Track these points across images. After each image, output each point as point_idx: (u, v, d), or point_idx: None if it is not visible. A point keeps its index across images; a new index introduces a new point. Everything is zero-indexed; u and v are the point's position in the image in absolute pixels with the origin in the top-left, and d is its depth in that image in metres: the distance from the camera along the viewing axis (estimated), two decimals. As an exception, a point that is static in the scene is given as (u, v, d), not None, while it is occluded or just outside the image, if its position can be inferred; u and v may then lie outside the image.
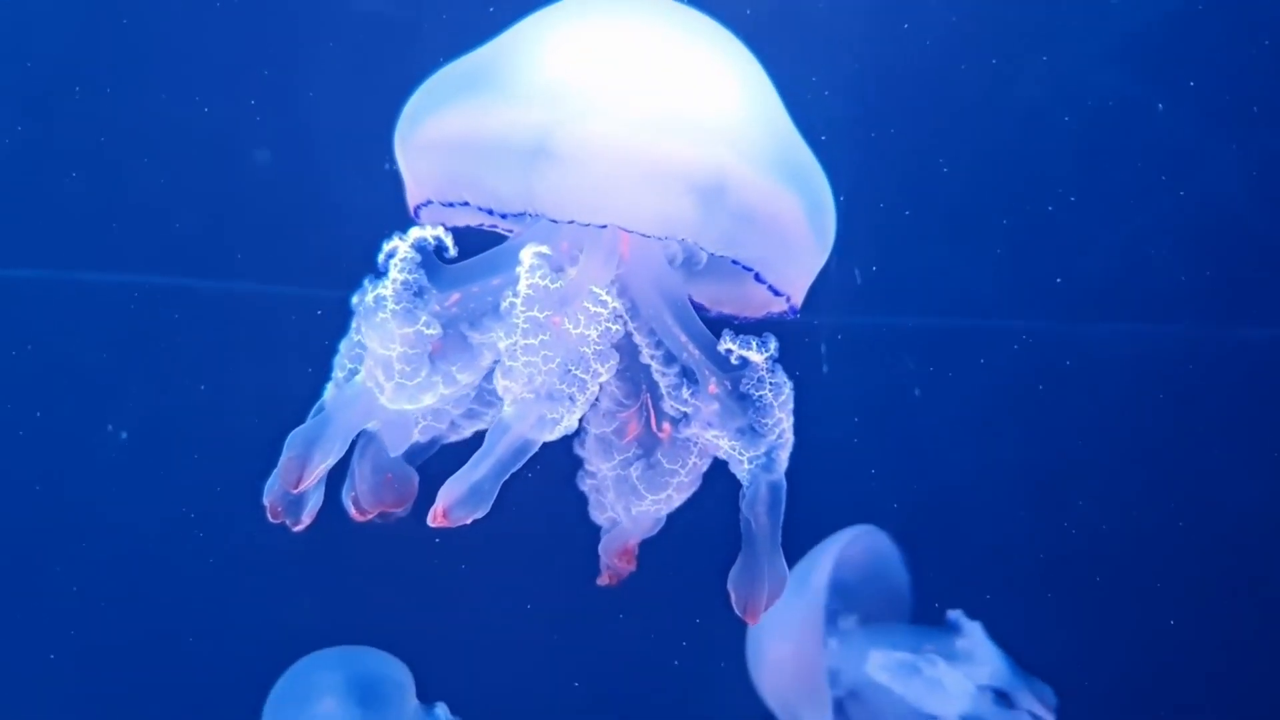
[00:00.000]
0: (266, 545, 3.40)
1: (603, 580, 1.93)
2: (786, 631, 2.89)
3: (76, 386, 3.63)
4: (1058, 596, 3.80)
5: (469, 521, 1.75)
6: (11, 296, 3.56)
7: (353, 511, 1.95)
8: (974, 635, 2.88)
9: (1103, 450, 3.82)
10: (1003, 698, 2.87)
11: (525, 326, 1.72)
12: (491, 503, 1.76)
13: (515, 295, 1.72)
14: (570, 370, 1.74)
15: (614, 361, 1.78)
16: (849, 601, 2.99)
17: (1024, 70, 3.63)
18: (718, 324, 1.87)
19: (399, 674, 3.21)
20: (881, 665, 2.87)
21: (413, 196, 1.88)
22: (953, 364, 3.78)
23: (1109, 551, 3.81)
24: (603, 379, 1.77)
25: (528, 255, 1.73)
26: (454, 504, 1.73)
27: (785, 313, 1.88)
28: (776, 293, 1.82)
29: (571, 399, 1.74)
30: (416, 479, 1.96)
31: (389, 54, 3.19)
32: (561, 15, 1.83)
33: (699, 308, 1.96)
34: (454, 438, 1.99)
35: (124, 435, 3.63)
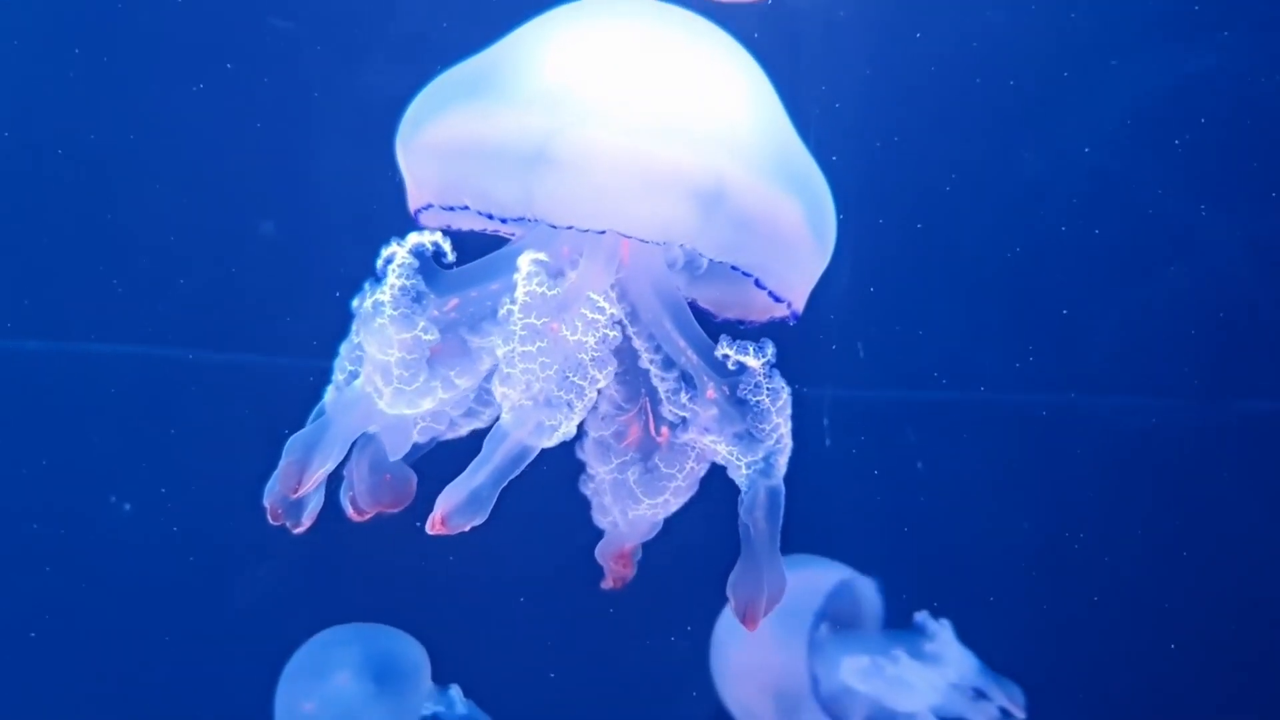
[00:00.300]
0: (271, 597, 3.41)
1: (606, 584, 1.92)
2: (769, 648, 2.89)
3: (79, 458, 3.63)
4: (1060, 672, 3.75)
5: (467, 529, 1.75)
6: (13, 367, 3.59)
7: (350, 511, 1.95)
8: (942, 636, 2.89)
9: (1107, 523, 3.79)
10: (975, 695, 2.86)
11: (522, 334, 1.72)
12: (490, 509, 1.76)
13: (513, 302, 1.73)
14: (568, 377, 1.75)
15: (612, 368, 1.79)
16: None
17: (1024, 145, 3.67)
18: (719, 329, 1.88)
19: (415, 654, 3.20)
20: (855, 671, 2.86)
21: (413, 199, 1.88)
22: (955, 437, 3.78)
23: (1112, 625, 3.78)
24: (601, 385, 1.78)
25: (525, 262, 1.74)
26: (452, 511, 1.74)
27: (787, 318, 1.90)
28: (777, 298, 1.82)
29: (569, 405, 1.75)
30: (415, 479, 1.96)
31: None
32: (563, 20, 1.84)
33: (705, 313, 1.97)
34: (452, 435, 2.00)
35: (127, 507, 3.63)
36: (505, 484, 1.77)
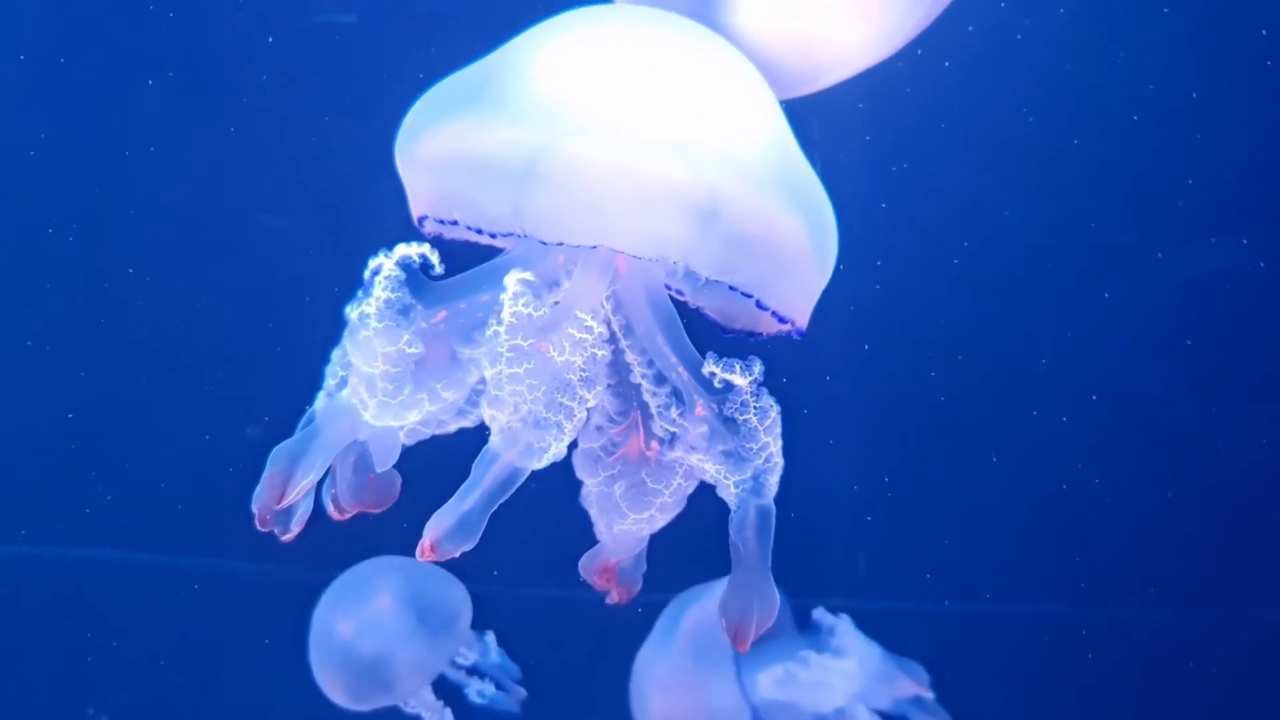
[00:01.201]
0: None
1: (612, 600, 1.92)
2: (696, 689, 2.94)
3: (56, 666, 3.58)
4: None
5: (457, 554, 1.73)
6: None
7: (331, 510, 1.92)
8: (844, 629, 2.92)
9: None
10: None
11: (509, 355, 1.68)
12: (480, 533, 1.74)
13: (499, 323, 1.69)
14: (556, 398, 1.71)
15: (600, 387, 1.76)
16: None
17: (1034, 350, 3.56)
18: (728, 343, 1.85)
19: (459, 596, 3.23)
20: (773, 683, 2.90)
21: (413, 209, 1.84)
22: (960, 648, 3.70)
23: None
24: (590, 404, 1.74)
25: (511, 282, 1.69)
26: (441, 537, 1.72)
27: (791, 333, 1.85)
28: (781, 319, 1.79)
29: (559, 426, 1.72)
30: (399, 481, 1.93)
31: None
32: (559, 28, 1.77)
33: (715, 325, 1.93)
34: (440, 432, 1.98)
35: None
36: (495, 508, 1.74)
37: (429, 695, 3.33)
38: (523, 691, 3.39)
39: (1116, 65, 3.41)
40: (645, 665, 3.11)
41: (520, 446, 1.72)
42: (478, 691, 3.40)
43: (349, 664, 3.27)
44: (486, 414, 1.74)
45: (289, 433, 1.84)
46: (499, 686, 3.41)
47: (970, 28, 3.27)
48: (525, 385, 1.69)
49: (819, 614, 2.93)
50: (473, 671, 3.39)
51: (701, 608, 3.01)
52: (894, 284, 3.52)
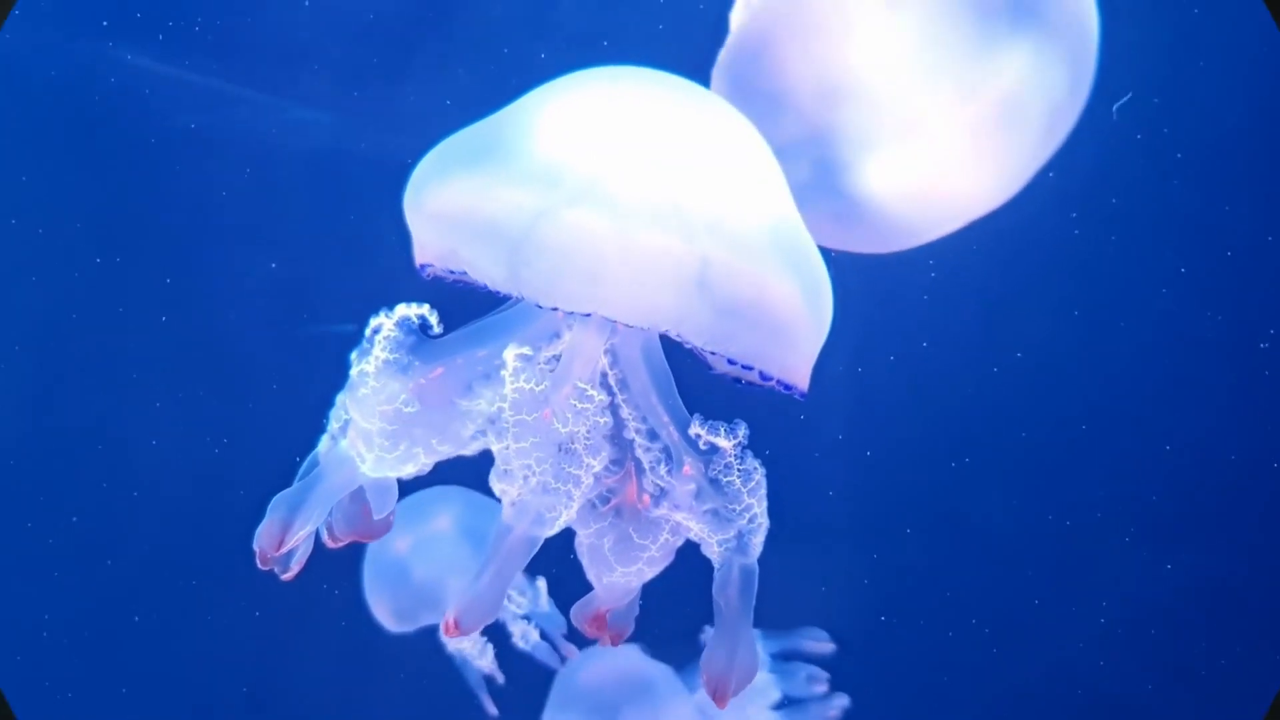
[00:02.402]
0: None
1: (603, 644, 1.97)
2: None
3: None
4: None
5: (479, 630, 1.81)
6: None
7: (325, 538, 1.97)
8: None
9: None
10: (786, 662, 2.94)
11: (515, 430, 1.73)
12: (501, 605, 1.81)
13: (503, 401, 1.74)
14: (564, 467, 1.76)
15: (605, 453, 1.80)
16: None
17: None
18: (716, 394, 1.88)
19: None
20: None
21: (416, 256, 1.86)
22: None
23: None
24: (595, 470, 1.79)
25: (510, 357, 1.73)
26: (464, 614, 1.79)
27: (795, 395, 1.86)
28: (787, 386, 1.80)
29: (568, 495, 1.77)
30: (394, 508, 1.97)
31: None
32: (566, 90, 1.79)
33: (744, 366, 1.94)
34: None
35: None
36: (513, 579, 1.81)
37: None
38: (573, 649, 3.42)
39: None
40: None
41: (531, 516, 1.78)
42: (522, 635, 3.45)
43: (399, 581, 3.33)
44: (496, 488, 1.79)
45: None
46: (544, 636, 3.46)
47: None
48: (533, 458, 1.74)
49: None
50: (521, 617, 3.44)
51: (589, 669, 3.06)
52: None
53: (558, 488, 1.76)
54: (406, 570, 3.32)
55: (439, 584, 3.33)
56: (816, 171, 2.05)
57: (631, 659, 3.06)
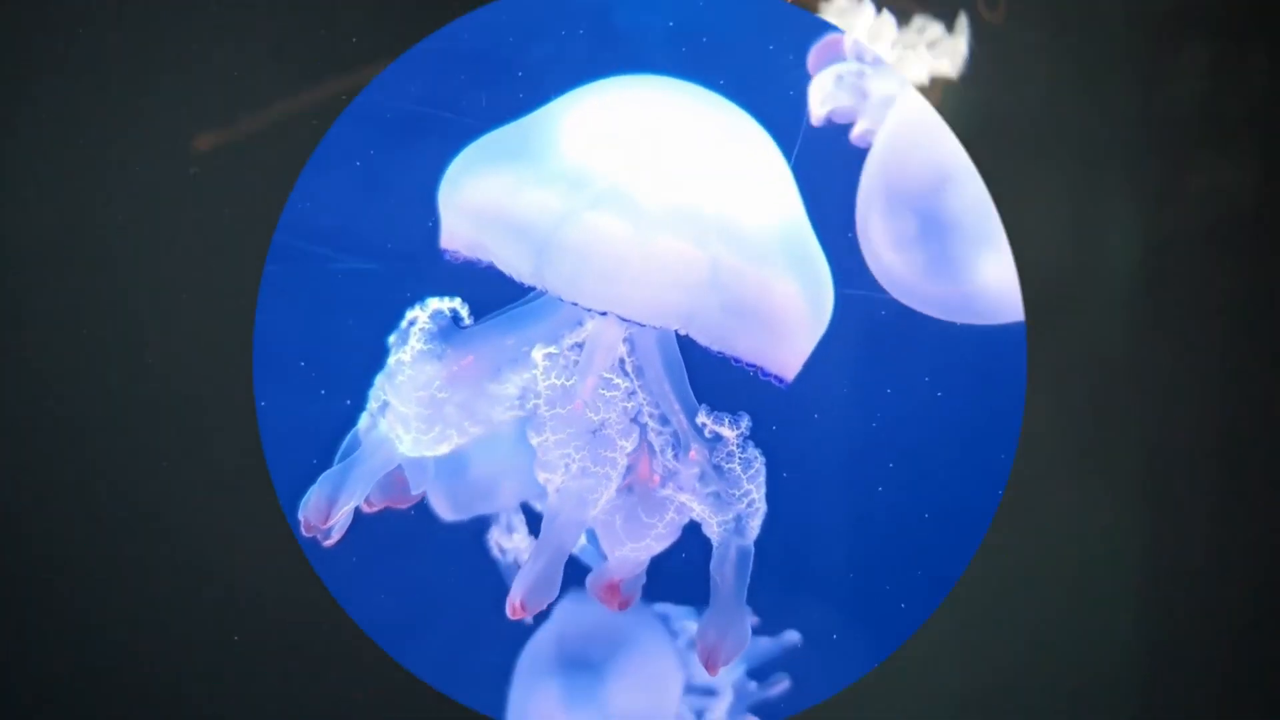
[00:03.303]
0: None
1: (612, 609, 2.12)
2: None
3: None
4: None
5: (544, 607, 2.00)
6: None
7: (362, 505, 2.10)
8: None
9: None
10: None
11: (551, 423, 1.93)
12: (559, 585, 1.99)
13: (537, 396, 1.93)
14: (600, 452, 1.95)
15: (636, 434, 1.98)
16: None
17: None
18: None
19: None
20: None
21: (443, 241, 2.01)
22: None
23: None
24: (629, 450, 1.97)
25: (539, 357, 1.93)
26: (526, 596, 1.97)
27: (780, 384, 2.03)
28: (780, 380, 1.96)
29: (606, 476, 1.96)
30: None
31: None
32: (592, 96, 1.96)
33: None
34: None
35: None
36: (567, 558, 2.00)
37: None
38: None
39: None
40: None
41: (575, 499, 1.97)
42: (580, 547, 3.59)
43: (457, 473, 3.48)
44: (540, 477, 1.97)
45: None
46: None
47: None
48: (571, 447, 1.94)
49: None
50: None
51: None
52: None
53: (596, 470, 1.95)
54: (465, 464, 3.47)
55: (493, 480, 3.49)
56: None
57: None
